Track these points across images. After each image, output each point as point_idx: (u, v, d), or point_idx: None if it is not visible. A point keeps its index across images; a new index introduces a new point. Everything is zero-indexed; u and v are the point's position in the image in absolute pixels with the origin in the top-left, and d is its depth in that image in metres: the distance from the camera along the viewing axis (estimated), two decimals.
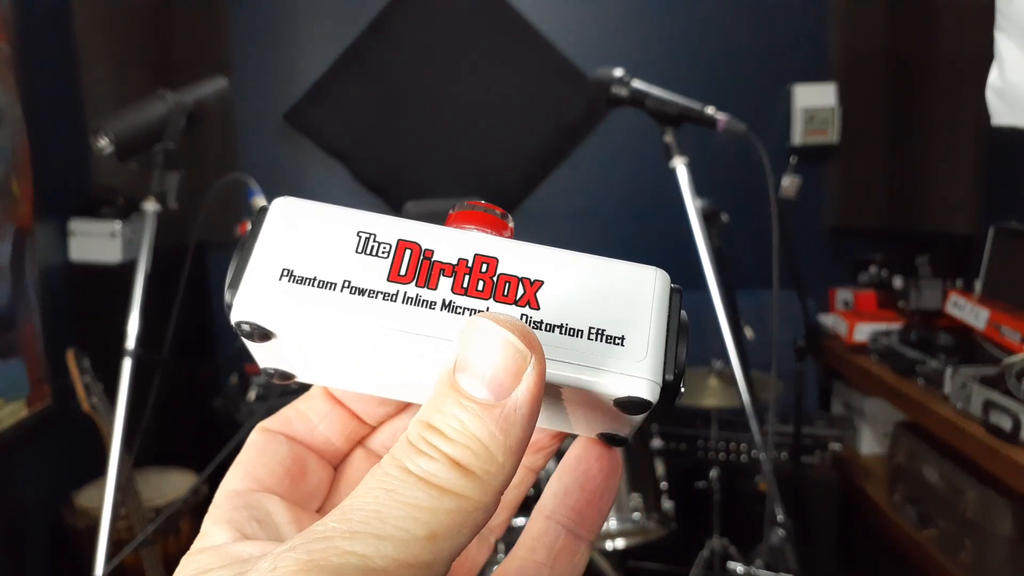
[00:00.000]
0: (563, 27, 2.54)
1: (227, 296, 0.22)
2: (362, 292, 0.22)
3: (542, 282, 0.22)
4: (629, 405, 0.21)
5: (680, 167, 1.38)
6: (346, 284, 0.22)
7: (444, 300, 0.22)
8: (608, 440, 0.25)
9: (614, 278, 0.23)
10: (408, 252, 0.22)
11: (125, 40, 2.18)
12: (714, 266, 1.34)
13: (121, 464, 1.22)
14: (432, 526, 0.18)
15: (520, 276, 0.22)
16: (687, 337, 0.23)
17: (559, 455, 0.26)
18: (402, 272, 0.22)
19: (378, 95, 2.51)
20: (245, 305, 0.22)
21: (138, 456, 1.39)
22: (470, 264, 0.22)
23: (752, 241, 1.74)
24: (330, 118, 2.51)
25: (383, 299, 0.22)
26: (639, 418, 0.22)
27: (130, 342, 1.25)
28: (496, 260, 0.22)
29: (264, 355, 0.24)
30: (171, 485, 1.84)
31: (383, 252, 0.22)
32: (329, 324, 0.22)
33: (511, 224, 0.25)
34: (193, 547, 0.22)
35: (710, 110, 1.37)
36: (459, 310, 0.22)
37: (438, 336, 0.21)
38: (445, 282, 0.22)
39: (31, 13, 1.82)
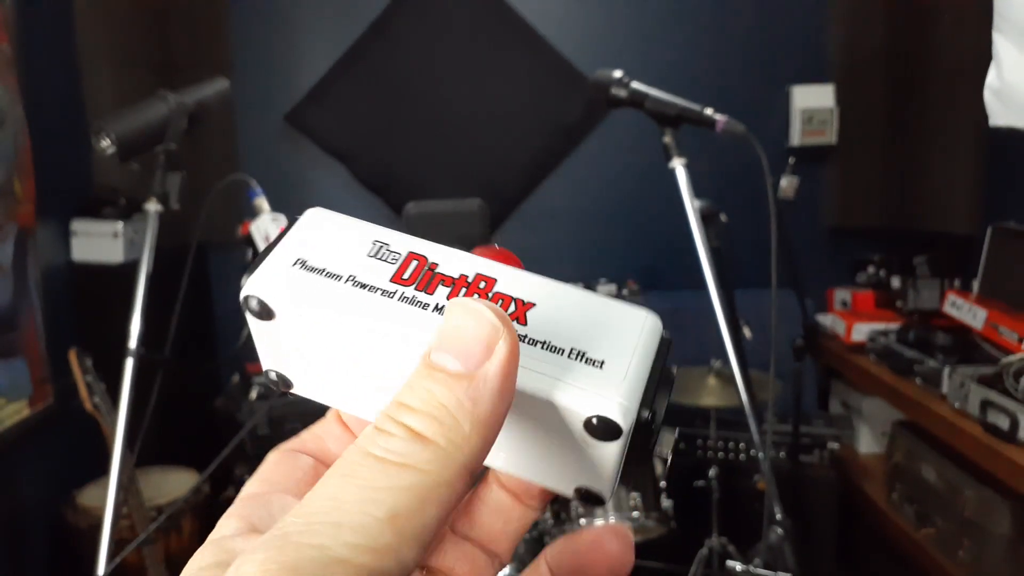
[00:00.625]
0: (563, 27, 2.54)
1: (243, 279, 0.24)
2: (363, 286, 0.23)
3: (534, 304, 0.23)
4: (597, 427, 0.21)
5: (679, 168, 1.38)
6: (351, 278, 0.23)
7: (437, 304, 0.23)
8: (584, 498, 0.24)
9: (606, 313, 0.23)
10: (415, 262, 0.24)
11: (126, 40, 2.18)
12: (713, 266, 1.34)
13: (123, 463, 1.23)
14: (391, 505, 0.17)
15: (514, 296, 0.23)
16: (669, 389, 0.22)
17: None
18: (405, 276, 0.23)
19: (378, 96, 2.52)
20: (255, 282, 0.23)
21: (140, 455, 1.39)
22: (469, 280, 0.24)
23: (751, 241, 1.75)
24: (331, 119, 2.52)
25: (381, 295, 0.23)
26: (610, 452, 0.22)
27: (132, 342, 1.26)
28: (495, 280, 0.24)
29: (267, 348, 0.25)
30: (173, 484, 1.85)
31: (392, 259, 0.24)
32: (327, 310, 0.23)
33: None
34: (206, 541, 0.22)
35: (709, 111, 1.38)
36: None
37: (425, 329, 0.22)
38: (443, 290, 0.23)
39: (32, 13, 1.83)
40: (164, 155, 1.33)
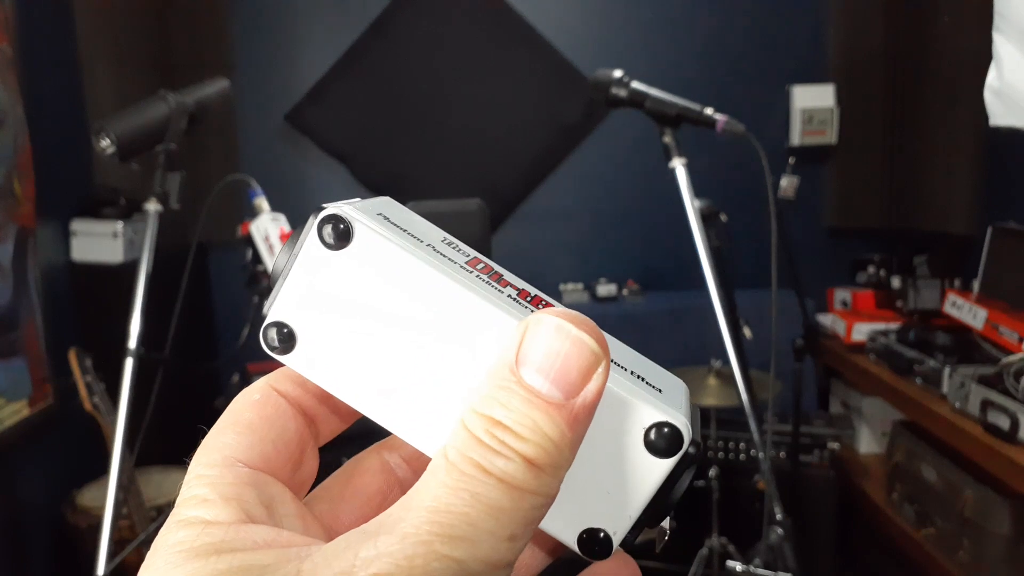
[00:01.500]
0: (563, 28, 2.54)
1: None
2: (441, 255, 0.22)
3: None
4: (661, 436, 0.21)
5: (679, 168, 1.38)
6: (430, 245, 0.23)
7: (510, 295, 0.23)
8: (586, 546, 0.23)
9: (645, 362, 0.24)
10: (481, 264, 0.24)
11: (126, 40, 2.18)
12: (713, 266, 1.34)
13: (123, 463, 1.23)
14: (513, 528, 0.18)
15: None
16: (686, 476, 0.22)
17: None
18: (479, 266, 0.23)
19: (379, 96, 2.52)
20: (338, 205, 0.22)
21: (140, 455, 1.39)
22: (531, 295, 0.23)
23: (751, 241, 1.75)
24: (331, 119, 2.52)
25: (460, 266, 0.22)
26: (653, 474, 0.21)
27: (132, 342, 1.26)
28: (552, 304, 0.23)
29: (292, 295, 0.23)
30: (173, 484, 1.85)
31: (463, 252, 0.24)
32: (408, 252, 0.22)
33: None
34: (190, 515, 0.20)
35: (709, 111, 1.38)
36: (525, 304, 0.22)
37: (503, 309, 0.21)
38: (510, 290, 0.23)
39: (32, 13, 1.83)
40: (164, 155, 1.33)
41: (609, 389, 0.21)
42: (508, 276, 0.24)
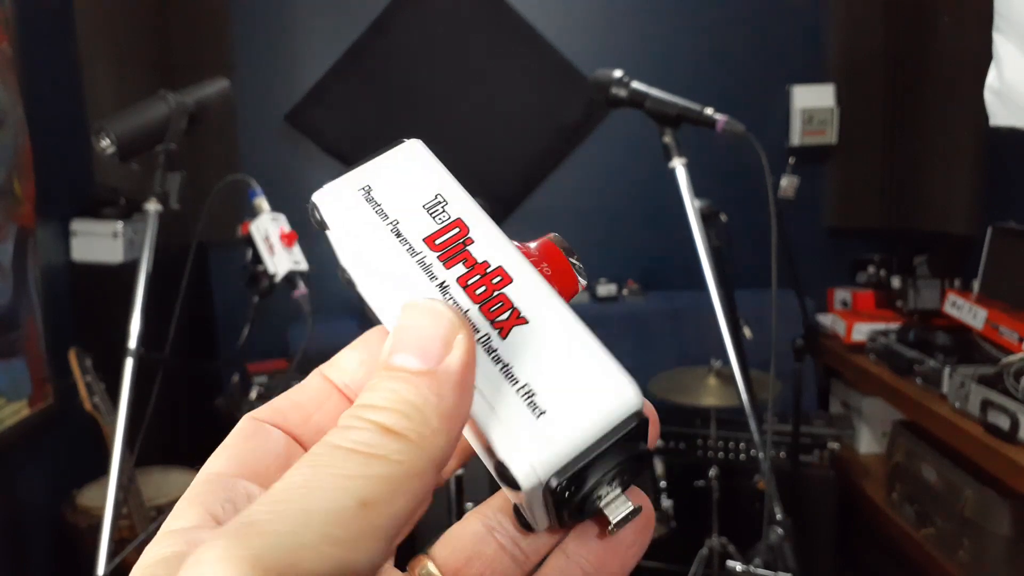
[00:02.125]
0: (563, 27, 2.54)
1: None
2: (398, 235, 0.24)
3: (527, 322, 0.22)
4: (500, 472, 0.20)
5: (679, 168, 1.38)
6: (394, 222, 0.24)
7: (444, 281, 0.23)
8: (518, 517, 0.23)
9: (591, 368, 0.21)
10: (455, 231, 0.24)
11: (126, 40, 2.18)
12: (713, 266, 1.34)
13: (123, 463, 1.23)
14: (363, 493, 0.17)
15: (516, 305, 0.22)
16: (626, 468, 0.21)
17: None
18: (438, 241, 0.24)
19: (379, 95, 2.52)
20: (322, 193, 0.25)
21: (140, 455, 1.39)
22: (489, 269, 0.23)
23: (751, 241, 1.75)
24: (331, 118, 2.52)
25: (407, 250, 0.24)
26: (515, 498, 0.21)
27: (132, 342, 1.26)
28: (510, 281, 0.23)
29: (337, 246, 0.26)
30: (173, 484, 1.85)
31: (440, 219, 0.24)
32: (358, 241, 0.24)
33: (583, 281, 0.26)
34: (161, 529, 0.20)
35: (709, 111, 1.38)
36: (448, 296, 0.23)
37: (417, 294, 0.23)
38: (459, 269, 0.23)
39: (32, 13, 1.83)
40: (164, 155, 1.33)
41: (473, 410, 0.21)
42: (477, 247, 0.23)
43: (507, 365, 0.21)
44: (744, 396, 1.31)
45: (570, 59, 2.52)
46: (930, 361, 1.91)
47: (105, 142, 1.26)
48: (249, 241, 1.48)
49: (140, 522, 1.56)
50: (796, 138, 2.50)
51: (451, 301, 0.22)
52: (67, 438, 1.86)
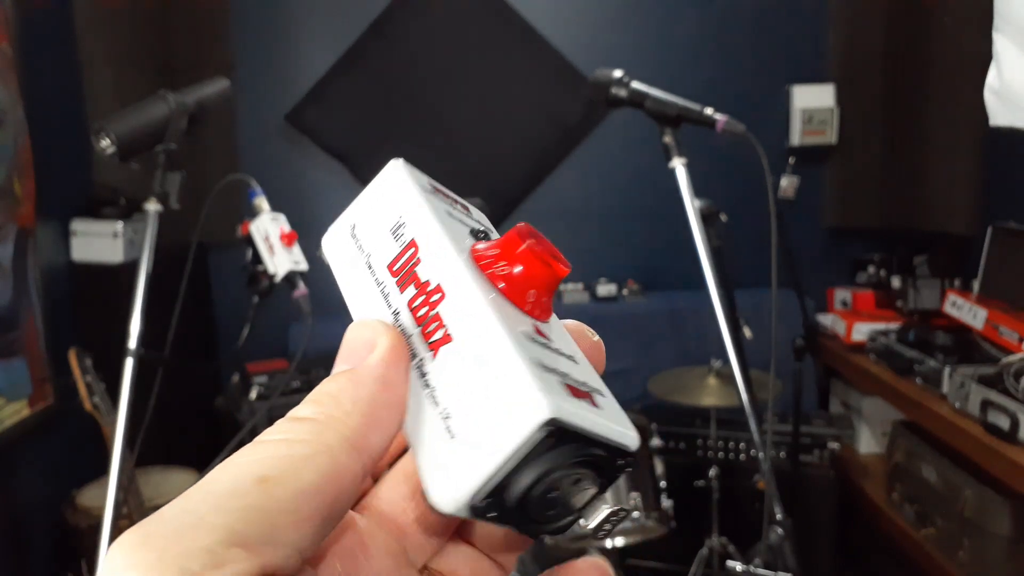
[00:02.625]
0: (563, 27, 2.54)
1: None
2: (369, 268, 0.25)
3: (452, 339, 0.21)
4: (425, 498, 0.20)
5: (679, 168, 1.38)
6: (367, 256, 0.25)
7: (396, 308, 0.23)
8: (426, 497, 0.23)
9: (507, 385, 0.20)
10: (411, 251, 0.24)
11: (126, 40, 2.18)
12: (713, 266, 1.34)
13: (123, 463, 1.23)
14: (260, 471, 0.18)
15: (445, 323, 0.22)
16: (548, 477, 0.20)
17: None
18: (396, 267, 0.24)
19: (379, 96, 2.52)
20: (326, 235, 0.27)
21: (140, 455, 1.39)
22: (430, 287, 0.23)
23: (751, 241, 1.75)
24: (331, 119, 2.52)
25: (375, 281, 0.24)
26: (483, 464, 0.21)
27: (132, 342, 1.26)
28: (443, 299, 0.22)
29: (339, 284, 0.27)
30: (173, 484, 1.85)
31: (400, 241, 0.24)
32: (345, 279, 0.25)
33: (561, 264, 0.23)
34: None
35: (709, 111, 1.38)
36: (398, 322, 0.23)
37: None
38: (410, 292, 0.23)
39: (32, 13, 1.83)
40: (164, 155, 1.33)
41: (405, 431, 0.21)
42: (423, 266, 0.23)
43: (433, 388, 0.21)
44: (744, 396, 1.31)
45: (570, 59, 2.52)
46: (930, 361, 1.91)
47: (105, 142, 1.26)
48: (249, 241, 1.48)
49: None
50: (796, 138, 2.50)
51: (400, 327, 0.22)
52: (67, 438, 1.86)
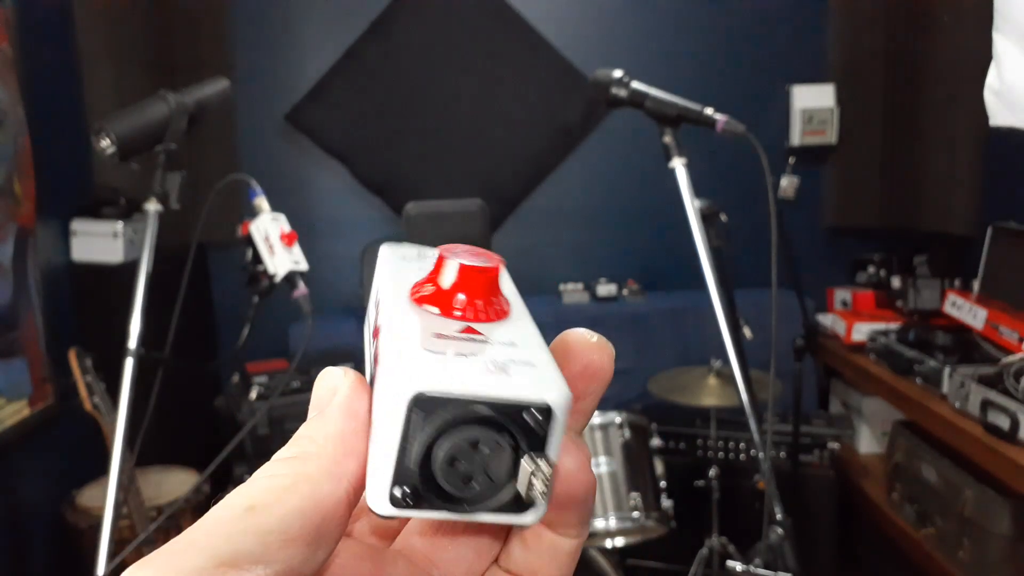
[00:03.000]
0: (563, 28, 2.54)
1: None
2: (367, 337, 0.27)
3: (378, 363, 0.23)
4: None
5: (679, 167, 1.38)
6: (369, 328, 0.27)
7: (370, 358, 0.25)
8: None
9: (389, 380, 0.21)
10: (376, 311, 0.26)
11: (126, 40, 2.18)
12: (713, 266, 1.34)
13: (123, 463, 1.23)
14: (249, 500, 0.20)
15: (379, 352, 0.23)
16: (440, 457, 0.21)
17: None
18: (373, 329, 0.26)
19: (379, 96, 2.52)
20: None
21: (140, 455, 1.39)
22: (379, 330, 0.24)
23: (751, 241, 1.75)
24: (331, 119, 2.52)
25: (368, 343, 0.26)
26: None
27: (132, 342, 1.26)
28: (379, 332, 0.24)
29: None
30: (173, 484, 1.85)
31: (376, 307, 0.27)
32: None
33: (485, 264, 0.24)
34: None
35: (709, 111, 1.38)
36: (369, 373, 0.25)
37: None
38: (375, 342, 0.25)
39: (32, 13, 1.83)
40: (164, 155, 1.33)
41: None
42: (380, 317, 0.25)
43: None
44: (744, 396, 1.31)
45: (570, 59, 2.52)
46: (930, 361, 1.91)
47: (105, 142, 1.26)
48: (249, 241, 1.48)
49: (140, 522, 1.56)
50: (796, 138, 2.50)
51: (369, 377, 0.24)
52: (67, 438, 1.86)
